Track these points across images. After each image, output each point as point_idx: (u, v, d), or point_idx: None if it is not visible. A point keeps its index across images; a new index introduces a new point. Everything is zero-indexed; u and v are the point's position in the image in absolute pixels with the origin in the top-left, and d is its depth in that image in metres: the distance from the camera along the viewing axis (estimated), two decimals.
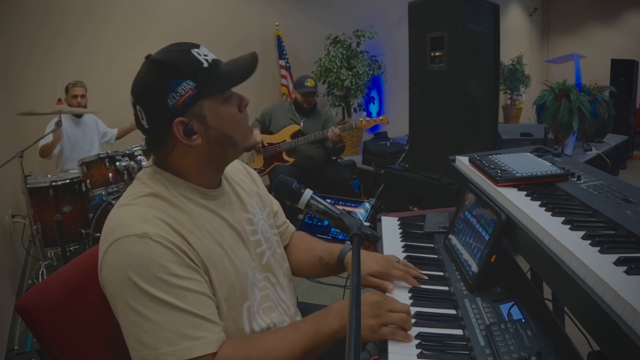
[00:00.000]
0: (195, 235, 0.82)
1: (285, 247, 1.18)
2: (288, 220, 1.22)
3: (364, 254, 1.07)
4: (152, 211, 0.80)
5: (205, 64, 0.83)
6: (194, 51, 0.84)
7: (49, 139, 3.12)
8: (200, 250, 0.81)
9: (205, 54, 0.85)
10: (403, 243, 1.26)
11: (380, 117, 3.35)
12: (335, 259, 1.11)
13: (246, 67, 0.89)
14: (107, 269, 0.77)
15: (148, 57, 0.85)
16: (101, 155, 2.90)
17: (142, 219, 0.78)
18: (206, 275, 0.82)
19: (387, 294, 0.95)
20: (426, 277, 1.07)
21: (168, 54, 0.84)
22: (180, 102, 0.81)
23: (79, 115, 3.40)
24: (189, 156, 0.86)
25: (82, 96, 3.33)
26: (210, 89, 0.83)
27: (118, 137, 3.71)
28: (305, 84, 3.46)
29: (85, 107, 3.34)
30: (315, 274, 1.16)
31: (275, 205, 1.19)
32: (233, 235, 0.92)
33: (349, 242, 1.09)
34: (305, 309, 1.11)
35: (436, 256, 1.20)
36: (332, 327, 0.83)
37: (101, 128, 3.60)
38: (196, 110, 0.83)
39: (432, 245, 1.26)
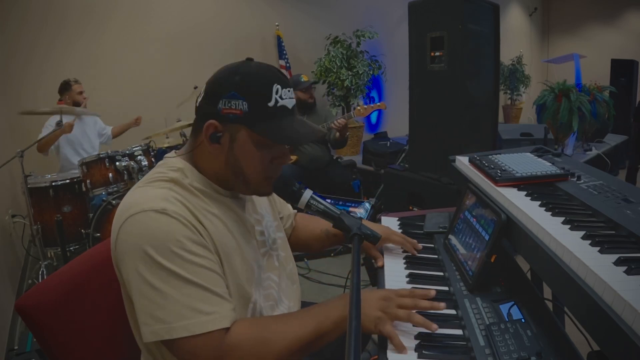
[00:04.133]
0: (211, 221, 0.84)
1: (291, 230, 1.25)
2: (289, 206, 1.27)
3: (368, 221, 1.17)
4: (171, 192, 0.82)
5: (271, 103, 0.84)
6: (275, 86, 0.85)
7: (49, 132, 3.10)
8: (214, 236, 0.83)
9: (282, 97, 0.86)
10: None
11: (378, 103, 3.35)
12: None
13: (302, 136, 0.89)
14: (123, 242, 0.78)
15: (250, 60, 0.89)
16: (101, 155, 2.90)
17: (161, 197, 0.80)
18: (218, 259, 0.83)
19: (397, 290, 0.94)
20: (421, 247, 1.20)
21: (256, 70, 0.86)
22: (225, 112, 0.83)
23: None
24: (208, 159, 0.88)
25: (83, 92, 3.32)
26: (255, 124, 0.84)
27: (114, 136, 3.67)
28: (301, 80, 3.51)
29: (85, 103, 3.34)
30: (321, 246, 1.25)
31: (278, 199, 1.22)
32: (244, 232, 0.94)
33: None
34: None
35: (436, 256, 1.20)
36: (343, 313, 0.82)
37: (99, 126, 3.58)
38: (232, 129, 0.85)
39: (432, 245, 1.26)
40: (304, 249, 1.28)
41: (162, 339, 0.75)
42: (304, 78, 3.53)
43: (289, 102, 0.87)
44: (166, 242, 0.76)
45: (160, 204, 0.78)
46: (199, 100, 0.87)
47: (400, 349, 0.79)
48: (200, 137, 0.86)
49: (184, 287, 0.75)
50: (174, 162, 0.89)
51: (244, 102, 0.82)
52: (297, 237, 1.25)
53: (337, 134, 3.27)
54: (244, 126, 0.84)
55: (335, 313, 0.83)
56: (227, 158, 0.86)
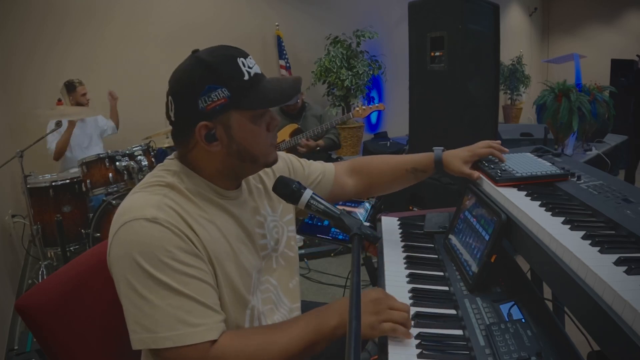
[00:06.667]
0: (205, 228, 0.83)
1: (341, 184, 1.21)
2: (323, 164, 1.22)
3: (453, 151, 1.20)
4: (165, 200, 0.81)
5: (246, 77, 0.83)
6: (240, 60, 0.84)
7: (58, 136, 3.12)
8: (207, 243, 0.82)
9: (250, 66, 0.85)
10: (403, 243, 1.26)
11: (377, 104, 3.36)
12: (431, 164, 1.21)
13: (287, 91, 0.88)
14: (115, 249, 0.79)
15: (194, 52, 0.86)
16: (101, 155, 2.90)
17: (154, 205, 0.79)
18: (211, 267, 0.83)
19: (388, 294, 0.94)
20: (508, 151, 1.21)
21: (214, 56, 0.84)
22: (209, 107, 0.81)
23: None
24: (207, 159, 0.87)
25: (86, 93, 3.35)
26: (242, 102, 0.83)
27: (116, 122, 3.68)
28: None
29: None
30: (405, 184, 1.26)
31: (303, 165, 1.17)
32: (242, 236, 0.93)
33: (437, 148, 1.20)
34: (305, 307, 1.11)
35: (436, 256, 1.20)
36: (331, 324, 0.82)
37: (100, 123, 3.58)
38: (223, 119, 0.83)
39: (432, 246, 1.26)
40: (387, 190, 1.26)
41: (149, 347, 0.75)
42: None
43: (257, 68, 0.87)
44: (156, 252, 0.75)
45: (152, 213, 0.78)
46: (172, 112, 0.85)
47: (408, 336, 0.80)
48: (192, 142, 0.85)
49: (172, 298, 0.75)
50: (171, 165, 0.89)
51: (224, 89, 0.81)
52: (375, 181, 1.22)
53: (304, 150, 3.28)
54: (233, 110, 0.83)
55: (326, 325, 0.82)
56: (229, 148, 0.85)
